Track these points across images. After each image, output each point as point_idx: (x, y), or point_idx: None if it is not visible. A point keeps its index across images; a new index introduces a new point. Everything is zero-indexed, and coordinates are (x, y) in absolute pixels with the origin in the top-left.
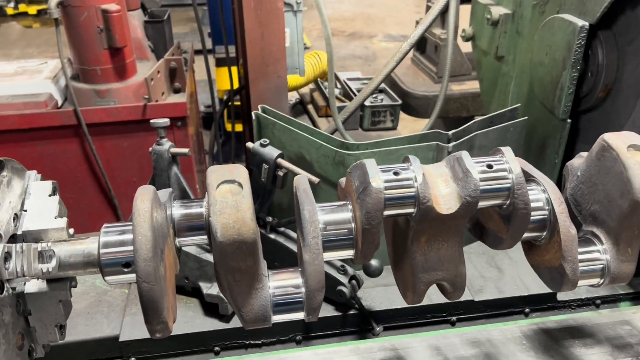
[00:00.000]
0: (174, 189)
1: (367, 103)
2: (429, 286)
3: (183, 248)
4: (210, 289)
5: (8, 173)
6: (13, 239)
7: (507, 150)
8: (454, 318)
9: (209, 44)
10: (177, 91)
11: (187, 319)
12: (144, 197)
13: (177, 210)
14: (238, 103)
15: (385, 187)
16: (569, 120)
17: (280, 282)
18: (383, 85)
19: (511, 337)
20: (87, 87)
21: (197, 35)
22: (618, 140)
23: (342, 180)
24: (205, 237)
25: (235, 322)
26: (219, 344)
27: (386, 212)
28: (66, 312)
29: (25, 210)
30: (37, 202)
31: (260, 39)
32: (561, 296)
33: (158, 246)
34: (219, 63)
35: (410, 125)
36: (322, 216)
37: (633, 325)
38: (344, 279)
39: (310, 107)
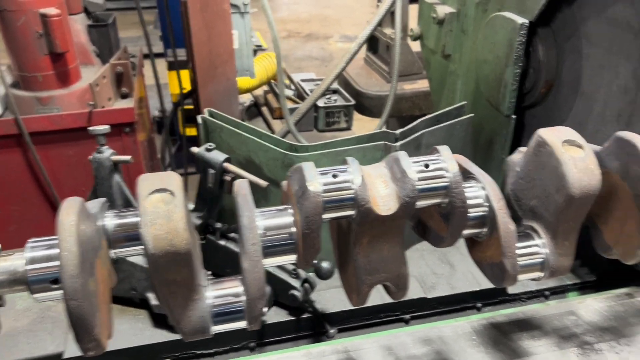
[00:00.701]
0: (116, 198)
1: (320, 104)
2: (372, 287)
3: (129, 259)
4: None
5: None
6: None
7: (444, 149)
8: (407, 316)
9: (161, 47)
10: (124, 96)
11: (136, 331)
12: (68, 209)
13: (111, 221)
14: (192, 107)
15: (323, 190)
16: (513, 117)
17: (220, 292)
18: (337, 86)
19: (462, 333)
20: (28, 94)
21: (150, 39)
22: (553, 135)
23: (284, 184)
24: (143, 247)
25: None
26: (169, 356)
27: (326, 216)
28: None
29: None
30: None
31: (207, 41)
32: (511, 289)
33: (87, 260)
34: (172, 67)
35: (366, 125)
36: (262, 221)
37: (578, 315)
38: (296, 283)
39: (264, 109)
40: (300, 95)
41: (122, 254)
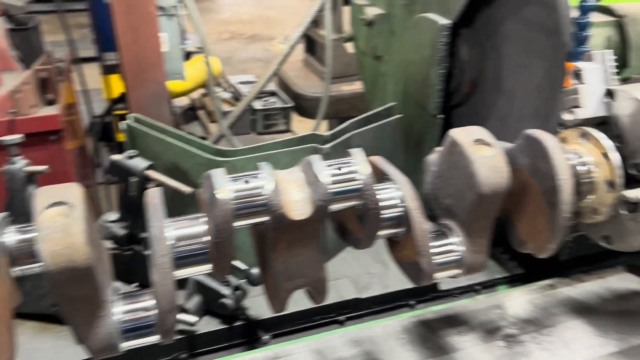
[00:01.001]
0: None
1: (258, 106)
2: (291, 293)
3: None
4: None
5: None
6: None
7: (357, 152)
8: (342, 317)
9: (94, 50)
10: (50, 103)
11: (58, 349)
12: None
13: (12, 237)
14: (125, 112)
15: (234, 197)
16: (440, 116)
17: (129, 307)
18: (276, 88)
19: (392, 333)
20: None
21: (82, 42)
22: (464, 135)
23: (201, 191)
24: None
25: None
26: None
27: (238, 223)
28: None
29: None
30: None
31: (133, 44)
32: (443, 285)
33: None
34: (105, 71)
35: (307, 127)
36: (174, 232)
37: (504, 308)
38: (227, 291)
39: (201, 112)
40: (238, 98)
41: (27, 271)
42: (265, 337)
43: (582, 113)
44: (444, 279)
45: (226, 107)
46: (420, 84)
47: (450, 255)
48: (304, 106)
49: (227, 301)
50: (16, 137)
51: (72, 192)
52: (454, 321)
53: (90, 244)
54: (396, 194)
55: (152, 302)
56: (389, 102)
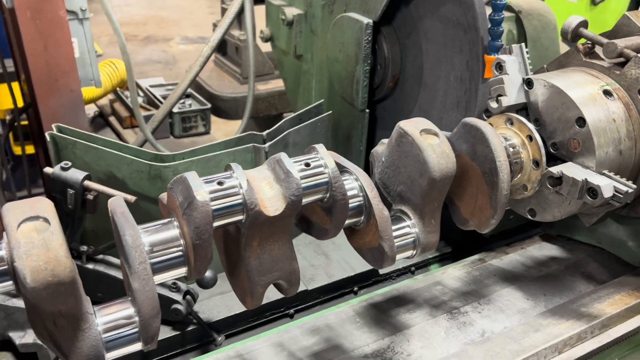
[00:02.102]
0: None
1: (175, 109)
2: (266, 288)
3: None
4: (24, 337)
5: None
6: None
7: (321, 147)
8: (291, 310)
9: None
10: None
11: None
12: None
13: None
14: (25, 122)
15: (211, 198)
16: (367, 111)
17: (109, 317)
18: (190, 90)
19: (345, 318)
20: None
21: None
22: (412, 126)
23: (164, 196)
24: (11, 282)
25: None
26: None
27: (216, 224)
28: None
29: None
30: None
31: (43, 51)
32: (382, 270)
33: None
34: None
35: (222, 128)
36: (146, 238)
37: (443, 284)
38: (177, 297)
39: (112, 119)
40: (151, 102)
41: None
42: (219, 338)
43: (505, 101)
44: (399, 260)
45: (142, 112)
46: (346, 81)
47: (407, 237)
48: (221, 107)
49: (179, 307)
50: None
51: (43, 205)
52: (401, 301)
53: (70, 257)
54: (355, 184)
55: (131, 310)
56: (313, 100)
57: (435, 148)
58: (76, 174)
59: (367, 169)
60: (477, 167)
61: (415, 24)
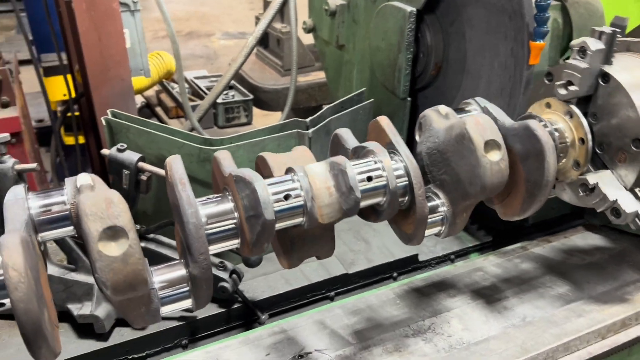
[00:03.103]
0: None
1: (218, 100)
2: (303, 260)
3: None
4: (82, 309)
5: None
6: None
7: (384, 156)
8: (332, 293)
9: (26, 53)
10: (5, 105)
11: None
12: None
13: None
14: (77, 113)
15: (275, 212)
16: (408, 99)
17: (164, 277)
18: (233, 82)
19: (386, 300)
20: None
21: (14, 45)
22: (477, 133)
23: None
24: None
25: (115, 339)
26: None
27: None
28: None
29: None
30: None
31: (97, 42)
32: (422, 257)
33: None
34: (48, 72)
35: (262, 120)
36: (204, 209)
37: (484, 270)
38: (224, 275)
39: (158, 109)
40: (196, 93)
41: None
42: (263, 317)
43: (573, 91)
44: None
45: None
46: (388, 69)
47: (436, 215)
48: (262, 98)
49: (226, 285)
50: (4, 135)
51: (118, 210)
52: (441, 285)
53: (145, 266)
54: (401, 165)
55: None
56: (354, 90)
57: (494, 166)
58: (131, 156)
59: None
60: (522, 172)
61: (459, 11)
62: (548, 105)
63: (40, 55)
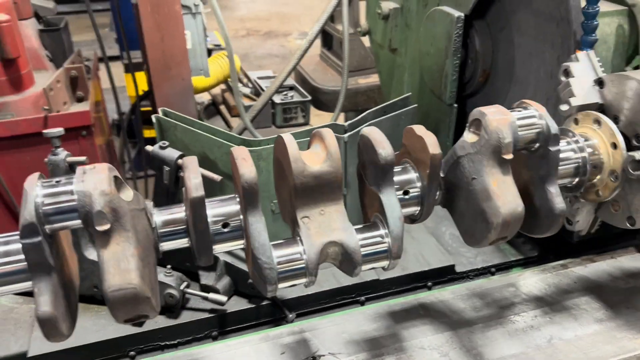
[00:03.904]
0: None
1: (277, 100)
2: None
3: (90, 257)
4: None
5: None
6: None
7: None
8: (362, 298)
9: (116, 50)
10: (80, 100)
11: (99, 327)
12: None
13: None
14: (149, 108)
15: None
16: (455, 105)
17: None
18: (293, 82)
19: (410, 308)
20: None
21: (107, 42)
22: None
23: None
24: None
25: (149, 325)
26: (133, 349)
27: None
28: None
29: None
30: None
31: (160, 42)
32: (460, 268)
33: None
34: (128, 70)
35: (324, 120)
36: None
37: (517, 287)
38: None
39: (222, 107)
40: (257, 93)
41: None
42: (290, 315)
43: (575, 101)
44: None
45: (247, 102)
46: (435, 74)
47: None
48: (322, 100)
49: None
50: (58, 130)
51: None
52: (469, 299)
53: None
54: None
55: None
56: (405, 93)
57: None
58: (172, 153)
59: None
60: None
61: (508, 17)
62: (576, 122)
63: (124, 53)
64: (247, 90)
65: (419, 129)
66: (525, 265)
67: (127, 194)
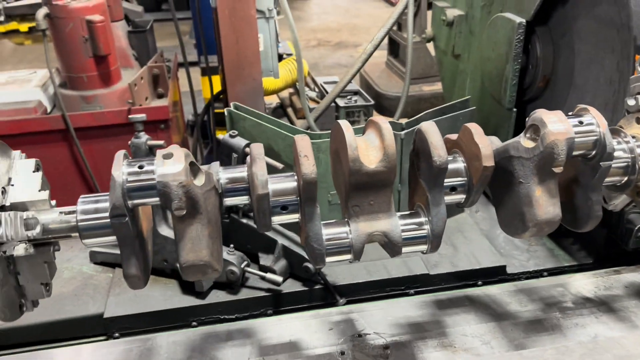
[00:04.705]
0: None
1: (342, 104)
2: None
3: (162, 232)
4: None
5: None
6: (2, 209)
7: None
8: (412, 291)
9: (194, 56)
10: (160, 96)
11: (167, 297)
12: None
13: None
14: (222, 110)
15: None
16: (514, 110)
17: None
18: (358, 88)
19: (455, 300)
20: (75, 93)
21: (188, 48)
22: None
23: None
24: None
25: (211, 299)
26: (195, 319)
27: None
28: (51, 273)
29: (12, 185)
30: (22, 177)
31: (235, 44)
32: (511, 269)
33: None
34: (205, 73)
35: None
36: None
37: (566, 287)
38: None
39: (289, 110)
40: (323, 97)
41: None
42: (341, 300)
43: None
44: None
45: (312, 104)
46: (496, 79)
47: None
48: (385, 105)
49: (310, 265)
50: (142, 116)
51: None
52: (516, 294)
53: None
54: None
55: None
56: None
57: None
58: (240, 141)
59: None
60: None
61: (569, 23)
62: (638, 120)
63: (201, 58)
64: (313, 94)
65: (478, 135)
66: (578, 272)
67: (201, 178)
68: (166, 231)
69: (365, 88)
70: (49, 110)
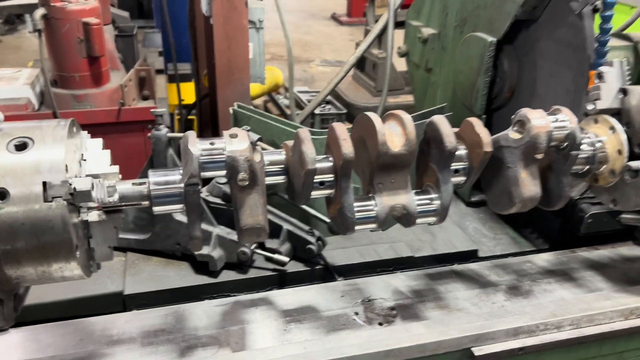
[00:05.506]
0: (170, 168)
1: (317, 111)
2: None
3: (175, 217)
4: (202, 250)
5: (74, 130)
6: None
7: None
8: (398, 272)
9: (160, 63)
10: (145, 98)
11: (181, 276)
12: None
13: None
14: (193, 117)
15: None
16: (484, 116)
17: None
18: (330, 98)
19: (443, 274)
20: (66, 92)
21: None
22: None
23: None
24: None
25: (222, 278)
26: (207, 296)
27: None
28: (117, 236)
29: (85, 160)
30: (93, 153)
31: (227, 50)
32: (481, 253)
33: None
34: (173, 80)
35: None
36: None
37: (533, 262)
38: (312, 239)
39: None
40: (298, 104)
41: None
42: (340, 279)
43: (600, 104)
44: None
45: (288, 111)
46: (468, 89)
47: None
48: (354, 114)
49: (312, 247)
50: (163, 110)
51: None
52: (493, 269)
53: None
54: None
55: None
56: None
57: None
58: (252, 136)
59: None
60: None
61: (533, 43)
62: (595, 121)
63: (168, 65)
64: (287, 102)
65: (478, 126)
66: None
67: (257, 155)
68: (180, 216)
69: (336, 98)
70: (36, 107)
